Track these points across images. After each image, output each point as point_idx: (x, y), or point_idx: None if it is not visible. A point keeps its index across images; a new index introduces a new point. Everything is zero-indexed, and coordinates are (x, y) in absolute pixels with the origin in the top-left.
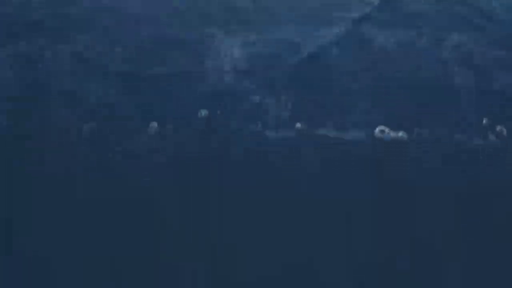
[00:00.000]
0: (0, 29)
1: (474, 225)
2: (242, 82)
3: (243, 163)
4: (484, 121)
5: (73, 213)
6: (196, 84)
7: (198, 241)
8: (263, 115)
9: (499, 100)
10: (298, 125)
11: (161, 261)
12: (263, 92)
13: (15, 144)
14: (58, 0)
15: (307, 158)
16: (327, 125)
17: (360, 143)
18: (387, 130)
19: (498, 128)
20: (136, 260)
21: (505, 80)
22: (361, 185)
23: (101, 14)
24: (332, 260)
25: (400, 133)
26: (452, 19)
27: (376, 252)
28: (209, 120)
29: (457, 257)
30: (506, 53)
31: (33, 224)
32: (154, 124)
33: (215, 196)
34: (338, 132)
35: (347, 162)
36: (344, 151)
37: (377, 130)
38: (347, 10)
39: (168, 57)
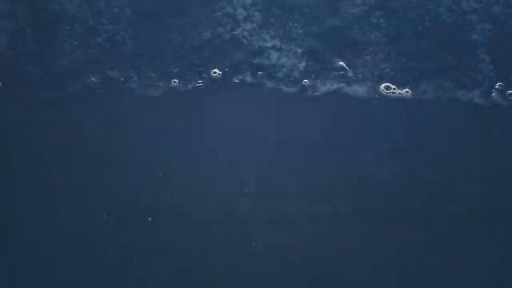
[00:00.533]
0: None
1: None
2: (255, 35)
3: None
4: (497, 86)
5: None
6: (207, 36)
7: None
8: (274, 71)
9: None
10: (306, 81)
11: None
12: (276, 46)
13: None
14: None
15: (305, 116)
16: (334, 80)
17: (361, 99)
18: (393, 87)
19: (509, 92)
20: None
21: None
22: (350, 142)
23: None
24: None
25: (405, 90)
26: None
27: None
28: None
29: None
30: None
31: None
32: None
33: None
34: (345, 87)
35: (344, 119)
36: (343, 108)
37: (382, 86)
38: None
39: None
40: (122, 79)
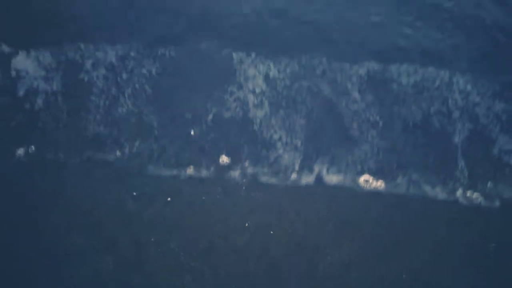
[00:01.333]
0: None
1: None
2: (264, 124)
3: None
4: (468, 194)
5: None
6: (217, 120)
7: None
8: (274, 163)
9: (490, 166)
10: (294, 175)
11: None
12: (281, 139)
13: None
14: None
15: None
16: (323, 172)
17: (339, 190)
18: (370, 179)
19: (475, 195)
20: None
21: (505, 145)
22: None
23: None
24: None
25: (379, 182)
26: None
27: None
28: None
29: None
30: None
31: None
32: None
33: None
34: (330, 179)
35: (320, 211)
36: (321, 200)
37: (361, 179)
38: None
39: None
40: (144, 155)
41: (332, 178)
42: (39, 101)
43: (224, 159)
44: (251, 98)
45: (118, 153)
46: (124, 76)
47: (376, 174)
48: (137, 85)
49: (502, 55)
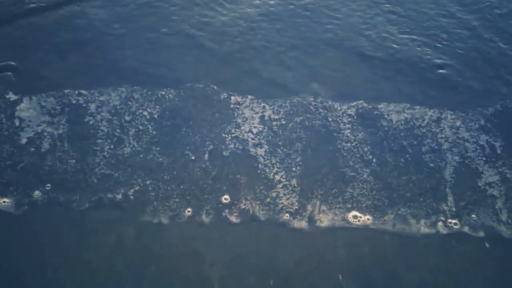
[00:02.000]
0: None
1: None
2: (261, 163)
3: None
4: (451, 222)
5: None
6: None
7: None
8: (274, 204)
9: (477, 201)
10: (287, 215)
11: None
12: (281, 181)
13: None
14: None
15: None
16: (315, 212)
17: (330, 227)
18: (360, 215)
19: (457, 226)
20: None
21: (490, 178)
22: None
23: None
24: None
25: (367, 217)
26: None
27: None
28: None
29: None
30: (493, 138)
31: None
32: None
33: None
34: (319, 216)
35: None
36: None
37: (350, 215)
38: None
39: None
40: (149, 195)
41: (323, 217)
42: (49, 143)
43: (227, 198)
44: (251, 137)
45: (125, 194)
46: (128, 119)
47: (365, 211)
48: (140, 127)
49: None
